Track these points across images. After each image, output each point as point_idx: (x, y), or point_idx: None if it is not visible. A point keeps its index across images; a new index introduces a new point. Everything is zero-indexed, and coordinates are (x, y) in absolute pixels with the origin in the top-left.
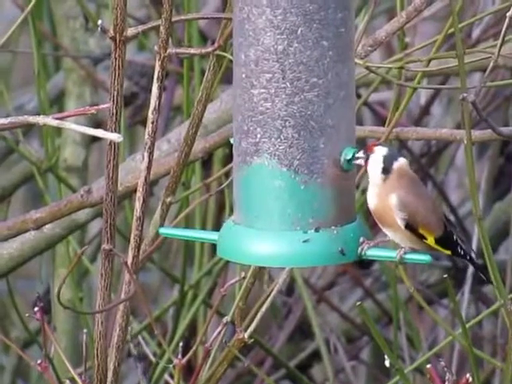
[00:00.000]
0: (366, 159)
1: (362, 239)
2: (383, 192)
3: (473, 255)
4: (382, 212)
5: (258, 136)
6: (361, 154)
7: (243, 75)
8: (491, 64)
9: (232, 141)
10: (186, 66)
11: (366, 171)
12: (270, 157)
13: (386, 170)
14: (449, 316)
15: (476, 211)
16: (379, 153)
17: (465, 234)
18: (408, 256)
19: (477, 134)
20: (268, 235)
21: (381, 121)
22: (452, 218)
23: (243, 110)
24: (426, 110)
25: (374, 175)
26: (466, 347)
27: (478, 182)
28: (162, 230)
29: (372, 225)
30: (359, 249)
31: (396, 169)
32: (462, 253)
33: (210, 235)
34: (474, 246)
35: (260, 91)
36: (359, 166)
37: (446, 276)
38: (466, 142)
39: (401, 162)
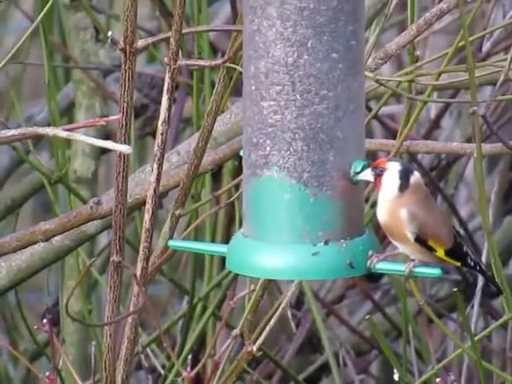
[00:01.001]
0: (378, 175)
1: (371, 252)
2: (394, 206)
3: (483, 266)
4: (392, 225)
5: (268, 148)
6: (368, 171)
7: (253, 87)
8: (502, 77)
9: (241, 153)
10: (195, 77)
11: (375, 187)
12: (279, 169)
13: (403, 186)
14: (458, 330)
15: (485, 225)
16: (394, 168)
17: (474, 248)
18: (417, 269)
19: (487, 147)
20: (277, 248)
21: (391, 134)
22: (462, 231)
23: (253, 122)
24: (436, 124)
25: (390, 191)
26: (475, 360)
27: (488, 196)
28: (172, 243)
29: (382, 237)
30: (368, 262)
31: (413, 183)
32: (473, 264)
33: (219, 248)
34: (484, 260)
35: (270, 103)
36: (367, 182)
37: (455, 290)
38: (476, 155)
39: (416, 176)
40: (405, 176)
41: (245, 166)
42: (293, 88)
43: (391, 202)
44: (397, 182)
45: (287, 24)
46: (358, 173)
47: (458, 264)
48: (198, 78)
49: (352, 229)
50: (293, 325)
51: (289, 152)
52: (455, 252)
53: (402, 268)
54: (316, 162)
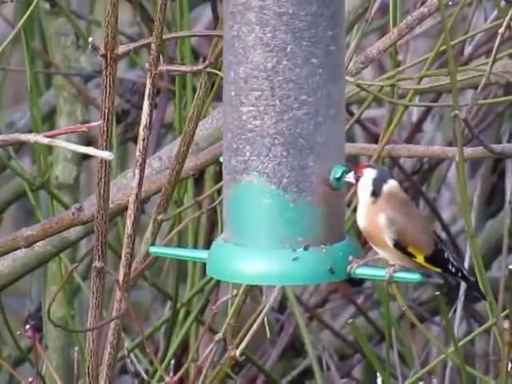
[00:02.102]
0: (356, 180)
1: (351, 258)
2: (372, 213)
3: (465, 272)
4: (371, 231)
5: (247, 154)
6: (351, 174)
7: (232, 93)
8: (483, 81)
9: (221, 159)
10: (177, 83)
11: (355, 191)
12: (258, 175)
13: (375, 193)
14: (441, 333)
15: (468, 229)
16: (368, 176)
17: (457, 252)
18: (397, 275)
19: (469, 151)
20: (257, 253)
21: (372, 138)
22: (444, 235)
23: (232, 127)
24: (418, 127)
25: (364, 197)
26: (458, 365)
27: (471, 200)
28: (153, 249)
29: (364, 243)
30: (348, 267)
31: (386, 192)
32: (454, 270)
33: (200, 254)
34: (467, 263)
35: (249, 109)
36: (350, 185)
37: (438, 293)
38: (458, 159)
39: (391, 185)
40: (378, 184)
41: (225, 171)
42: (272, 93)
43: (367, 208)
44: (369, 188)
45: (266, 29)
46: (338, 178)
47: (439, 270)
48: (180, 83)
49: (332, 234)
50: (267, 331)
51: (268, 157)
52: (435, 258)
53: (382, 273)
54: (295, 168)
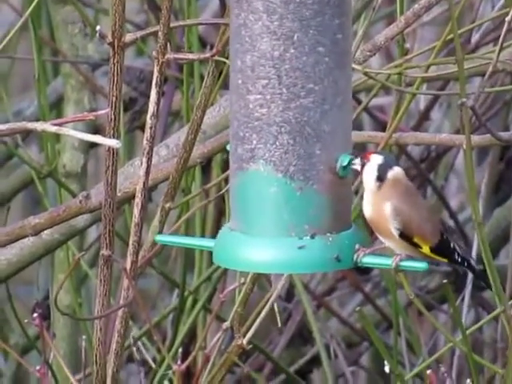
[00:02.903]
0: (362, 167)
1: (357, 246)
2: (377, 200)
3: (472, 262)
4: (377, 221)
5: (254, 142)
6: (357, 161)
7: (239, 81)
8: (490, 69)
9: (228, 147)
10: (185, 71)
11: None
12: (265, 163)
13: (380, 178)
14: (449, 321)
15: (476, 216)
16: (374, 161)
17: (465, 240)
18: (404, 263)
19: (476, 139)
20: (263, 241)
21: (380, 126)
22: (452, 223)
23: (239, 116)
24: (425, 115)
25: (368, 183)
26: (466, 353)
27: (478, 188)
28: (159, 238)
29: (371, 231)
30: (355, 256)
31: (390, 178)
32: (460, 260)
33: (207, 242)
34: (474, 251)
35: (256, 97)
36: (356, 173)
37: (445, 281)
38: (465, 147)
39: (396, 171)
40: (383, 169)
41: (231, 159)
42: (279, 82)
43: (372, 195)
44: (374, 173)
45: (273, 17)
46: (345, 167)
47: (445, 260)
48: (188, 71)
49: (338, 223)
50: (278, 320)
51: (275, 146)
52: (441, 249)
53: (388, 262)
54: (302, 156)
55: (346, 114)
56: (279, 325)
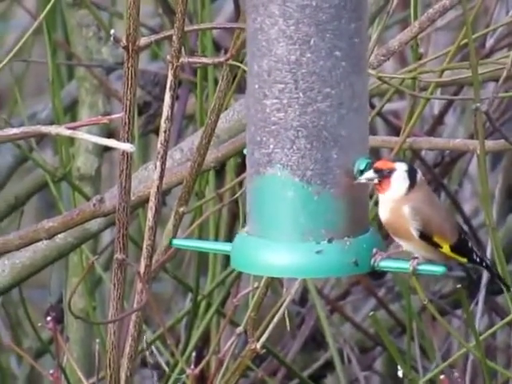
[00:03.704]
0: (386, 177)
1: (374, 250)
2: (398, 205)
3: (488, 262)
4: (396, 223)
5: (271, 146)
6: (371, 172)
7: (256, 86)
8: (504, 74)
9: (245, 151)
10: (199, 75)
11: (378, 189)
12: (282, 167)
13: (412, 185)
14: (462, 326)
15: (489, 221)
16: (401, 168)
17: (479, 245)
18: (421, 267)
19: (490, 144)
20: (281, 246)
21: (394, 130)
22: (466, 228)
23: (256, 120)
24: (439, 120)
25: (399, 191)
26: (479, 359)
27: (492, 192)
28: (174, 242)
29: (386, 235)
30: (372, 260)
31: (419, 181)
32: (478, 260)
33: (222, 246)
34: (488, 256)
35: (273, 101)
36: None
37: (459, 286)
38: (479, 152)
39: (420, 174)
40: (413, 175)
41: (248, 164)
42: (295, 86)
43: (396, 202)
44: (407, 181)
45: (290, 22)
46: (362, 171)
47: (464, 260)
48: (202, 75)
49: (356, 227)
50: (287, 325)
51: (292, 150)
52: (461, 247)
53: (406, 266)
54: (319, 160)
55: (363, 118)
56: (288, 329)
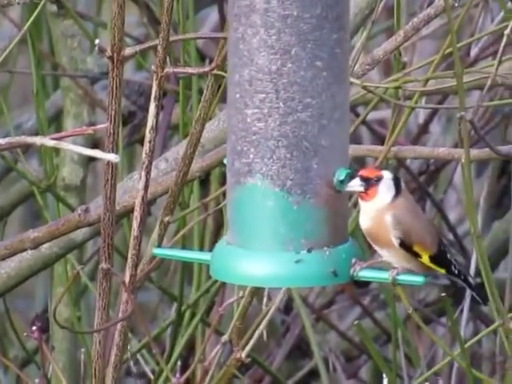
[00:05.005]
0: (373, 185)
1: (354, 260)
2: (380, 213)
3: (467, 276)
4: (376, 231)
5: (251, 156)
6: (357, 181)
7: (237, 95)
8: (489, 83)
9: (225, 161)
10: (182, 85)
11: (363, 197)
12: (262, 177)
13: (397, 193)
14: (448, 334)
15: (474, 229)
16: (387, 177)
17: (464, 253)
18: (401, 277)
19: (475, 152)
20: (260, 255)
21: (379, 139)
22: (451, 236)
23: (237, 130)
24: (424, 129)
25: (385, 199)
26: (464, 367)
27: (477, 201)
28: (157, 251)
29: (369, 245)
30: (351, 270)
31: (403, 189)
32: (457, 272)
33: (204, 256)
34: (473, 264)
35: (253, 111)
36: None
37: (444, 294)
38: (464, 160)
39: (403, 182)
40: (398, 183)
41: (229, 173)
42: (276, 96)
43: (379, 210)
44: (393, 189)
45: (271, 32)
46: (342, 181)
47: (443, 271)
48: (185, 85)
49: (335, 237)
50: (264, 334)
51: (272, 160)
52: (440, 258)
53: (385, 276)
54: (299, 170)
55: (344, 129)
56: (265, 338)
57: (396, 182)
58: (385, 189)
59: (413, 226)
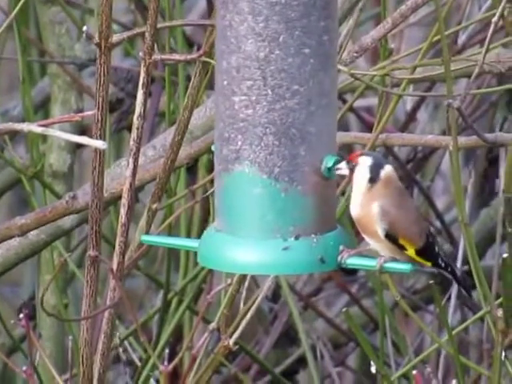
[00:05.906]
0: (351, 170)
1: (341, 247)
2: (367, 201)
3: (454, 268)
4: (364, 220)
5: (239, 143)
6: (343, 164)
7: (225, 82)
8: (476, 71)
9: (213, 148)
10: (168, 72)
11: (350, 181)
12: (250, 164)
13: (373, 180)
14: (435, 321)
15: (462, 217)
16: (364, 163)
17: (451, 240)
18: (388, 265)
19: (462, 140)
20: (248, 243)
21: (367, 127)
22: (438, 223)
23: (224, 117)
24: (412, 116)
25: (360, 185)
26: (452, 355)
27: (465, 188)
28: (144, 238)
29: (357, 232)
30: (339, 257)
31: (383, 177)
32: (443, 265)
33: (191, 243)
34: (461, 251)
35: (241, 98)
36: (342, 176)
37: (432, 282)
38: (451, 148)
39: (387, 170)
40: (375, 170)
41: (216, 161)
42: (264, 83)
43: (363, 196)
44: (367, 175)
45: (259, 19)
46: (330, 168)
47: (428, 264)
48: (171, 71)
49: (323, 224)
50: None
51: (260, 147)
52: (426, 252)
53: (372, 263)
54: (287, 157)
55: (331, 116)
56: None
57: (374, 168)
58: (358, 176)
59: (399, 218)
